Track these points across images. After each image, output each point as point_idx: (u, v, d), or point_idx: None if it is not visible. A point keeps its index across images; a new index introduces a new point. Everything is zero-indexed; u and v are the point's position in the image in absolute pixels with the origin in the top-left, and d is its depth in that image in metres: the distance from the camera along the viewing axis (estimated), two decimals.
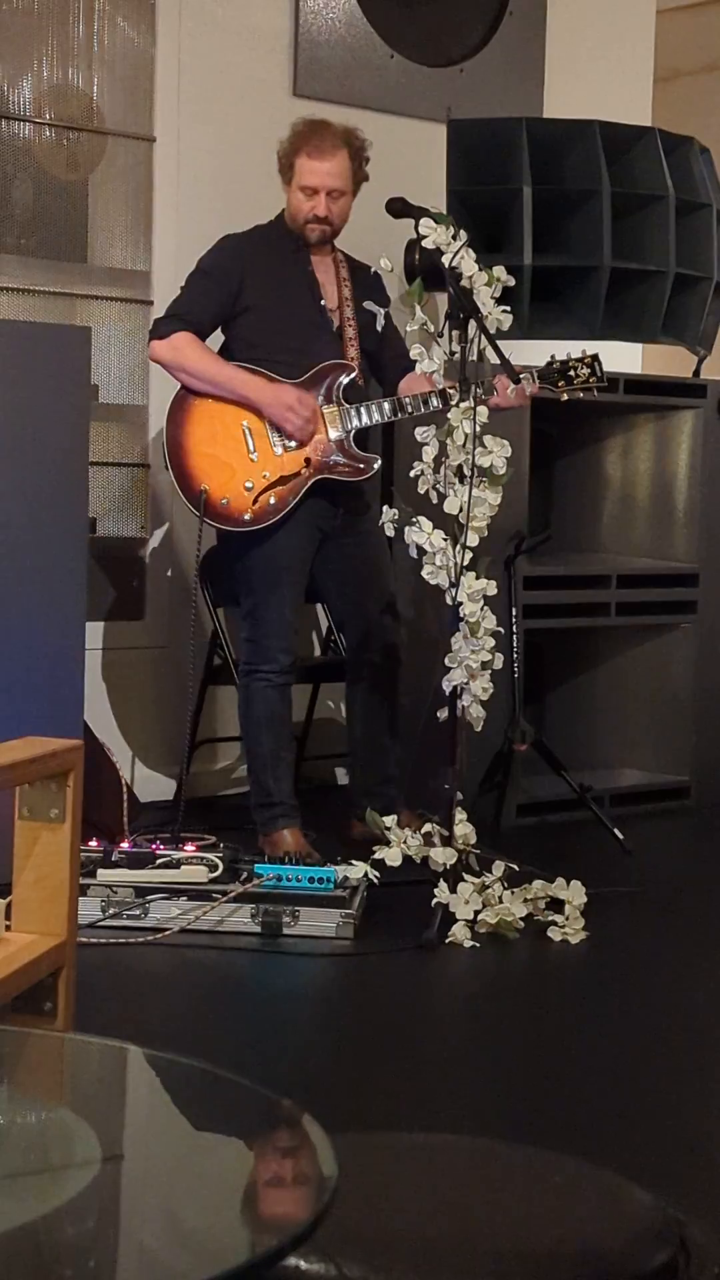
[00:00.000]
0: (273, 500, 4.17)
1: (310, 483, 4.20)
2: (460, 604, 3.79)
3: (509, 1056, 3.14)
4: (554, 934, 3.77)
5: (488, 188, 4.97)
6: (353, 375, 4.24)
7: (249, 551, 4.23)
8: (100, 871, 3.76)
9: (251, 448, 4.18)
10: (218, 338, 4.36)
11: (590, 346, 4.38)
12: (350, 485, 4.27)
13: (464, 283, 3.86)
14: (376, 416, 4.21)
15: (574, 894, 3.80)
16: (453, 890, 3.75)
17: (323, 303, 4.29)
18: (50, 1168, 1.51)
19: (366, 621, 4.40)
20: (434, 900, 3.74)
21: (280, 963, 3.61)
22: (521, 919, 3.77)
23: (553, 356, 4.30)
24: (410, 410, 4.14)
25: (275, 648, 4.23)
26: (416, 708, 4.43)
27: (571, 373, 4.27)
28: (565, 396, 4.29)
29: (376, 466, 4.26)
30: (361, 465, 4.24)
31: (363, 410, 4.21)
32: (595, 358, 4.29)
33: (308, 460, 4.20)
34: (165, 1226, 1.37)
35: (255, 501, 4.17)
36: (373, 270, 4.33)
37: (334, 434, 4.21)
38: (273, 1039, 3.16)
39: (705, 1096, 2.94)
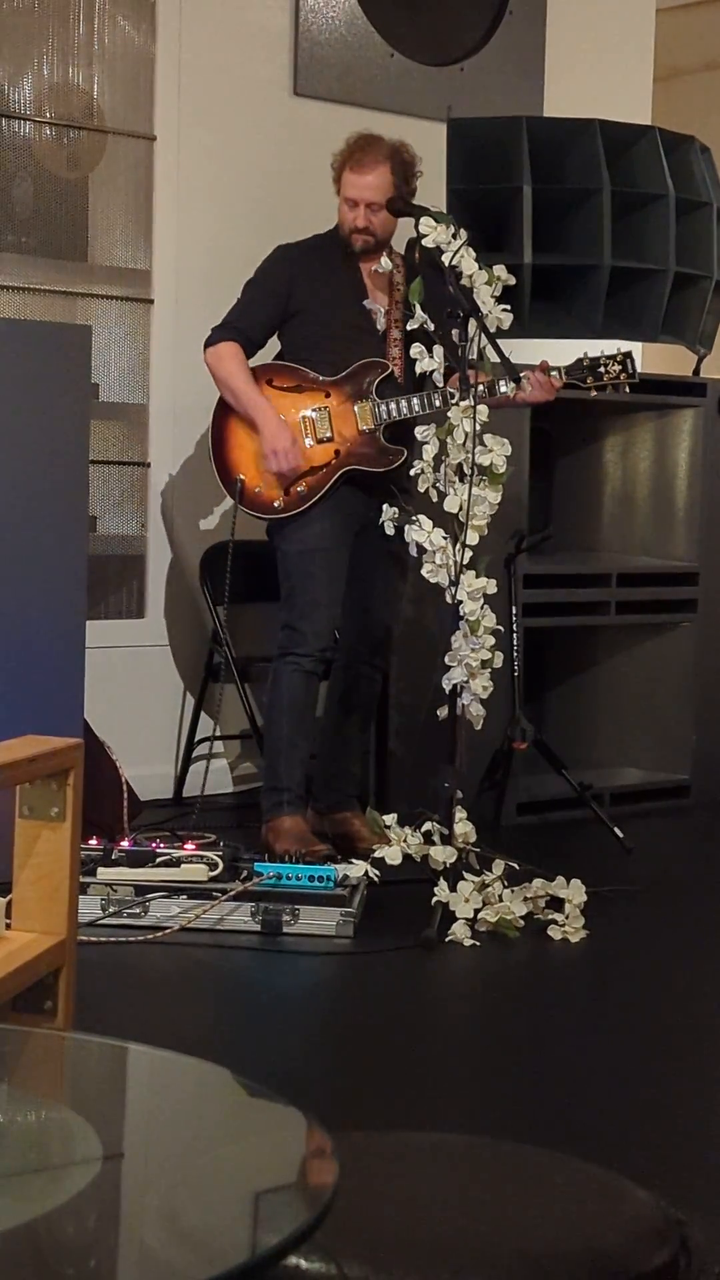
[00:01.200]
0: (302, 489, 4.29)
1: (339, 473, 4.30)
2: (460, 602, 3.80)
3: (509, 1056, 3.14)
4: (554, 932, 3.77)
5: (488, 186, 4.97)
6: (386, 372, 4.31)
7: (285, 538, 4.34)
8: (100, 870, 3.76)
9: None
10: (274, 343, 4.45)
11: (592, 345, 4.38)
12: (384, 480, 4.30)
13: (464, 281, 3.86)
14: (405, 409, 4.26)
15: (574, 892, 3.80)
16: (453, 889, 3.75)
17: (365, 304, 4.36)
18: (51, 1166, 1.51)
19: (368, 623, 4.43)
20: (434, 899, 3.74)
21: (280, 961, 3.61)
22: (521, 917, 3.77)
23: (585, 354, 4.31)
24: (439, 402, 4.15)
25: (308, 631, 4.28)
26: (417, 706, 4.44)
27: (601, 369, 4.28)
28: (594, 393, 4.30)
29: (403, 458, 4.29)
30: (389, 458, 4.29)
31: (392, 404, 4.27)
32: (628, 355, 4.30)
33: (337, 452, 4.30)
34: (166, 1225, 1.37)
35: (287, 491, 4.29)
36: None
37: (364, 427, 4.30)
38: (273, 1037, 3.16)
39: (705, 1096, 2.94)
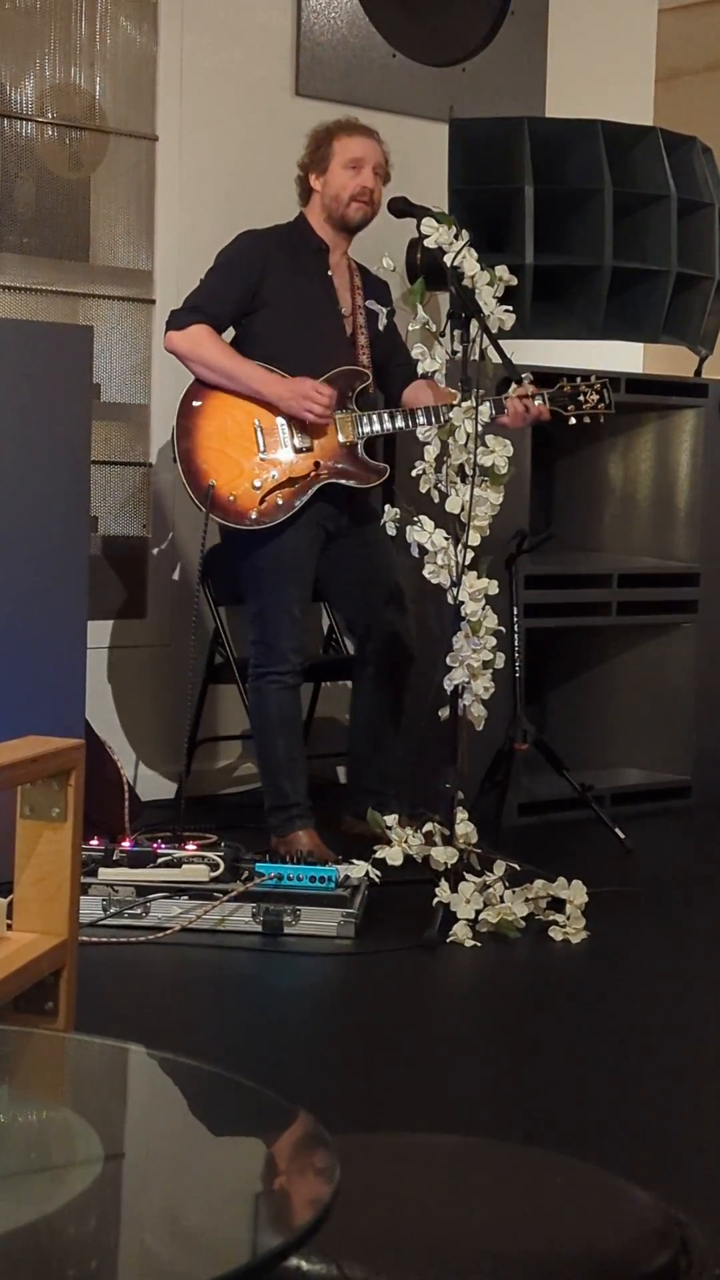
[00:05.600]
0: (280, 500, 4.17)
1: (317, 486, 4.21)
2: (462, 603, 3.80)
3: (509, 1056, 3.14)
4: (555, 933, 3.77)
5: (490, 187, 4.97)
6: (366, 382, 4.25)
7: (255, 552, 4.22)
8: (101, 870, 3.76)
9: (262, 446, 4.18)
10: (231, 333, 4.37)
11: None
12: (358, 493, 4.28)
13: (466, 282, 3.86)
14: (389, 425, 4.21)
15: (575, 893, 3.81)
16: (454, 889, 3.75)
17: (339, 308, 4.30)
18: (52, 1167, 1.51)
19: (374, 620, 4.40)
20: (435, 900, 3.75)
21: (281, 962, 3.61)
22: (522, 918, 3.77)
23: (564, 380, 4.30)
24: (423, 422, 4.10)
25: (287, 648, 4.23)
26: (418, 707, 4.43)
27: (580, 398, 4.28)
28: (573, 420, 4.29)
29: (385, 476, 4.27)
30: (370, 474, 4.25)
31: (375, 418, 4.21)
32: (605, 384, 4.30)
33: (317, 464, 4.20)
34: (167, 1227, 1.37)
35: (262, 501, 4.16)
36: (382, 278, 4.36)
37: (345, 440, 4.22)
38: (273, 1038, 3.16)
39: (706, 1096, 2.94)
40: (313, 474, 4.19)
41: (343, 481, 4.22)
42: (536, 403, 4.20)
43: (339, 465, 4.22)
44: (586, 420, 4.32)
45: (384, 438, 4.43)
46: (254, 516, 4.17)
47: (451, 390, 3.91)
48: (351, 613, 4.52)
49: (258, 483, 4.17)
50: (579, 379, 4.33)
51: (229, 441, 4.18)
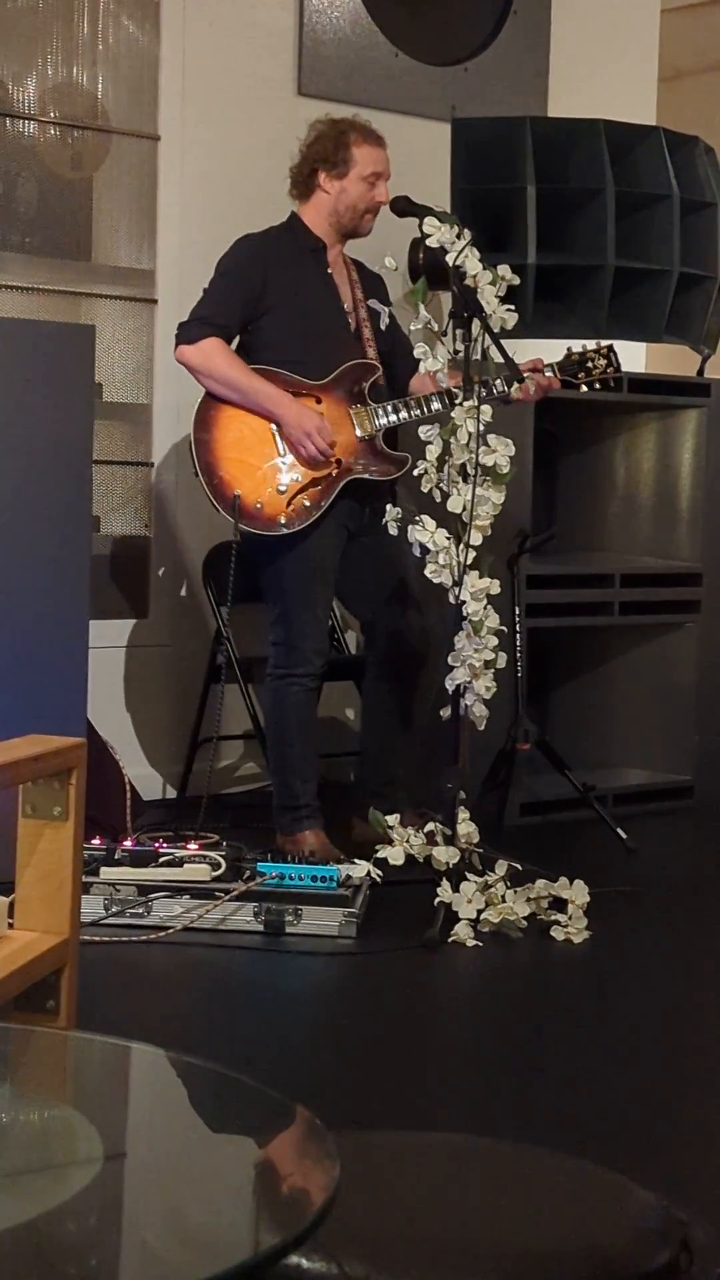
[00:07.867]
0: (306, 502, 4.16)
1: (342, 484, 4.20)
2: (464, 603, 3.80)
3: (511, 1056, 3.14)
4: (557, 933, 3.77)
5: (492, 186, 4.97)
6: (377, 375, 4.25)
7: (281, 554, 4.20)
8: (103, 869, 3.76)
9: (282, 450, 4.16)
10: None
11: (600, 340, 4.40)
12: (379, 485, 4.27)
13: (468, 281, 3.86)
14: (404, 415, 4.20)
15: (577, 893, 3.80)
16: (455, 889, 3.75)
17: (342, 304, 4.30)
18: (53, 1165, 1.51)
19: (388, 620, 4.39)
20: (437, 899, 3.74)
21: (282, 961, 3.61)
22: (524, 918, 3.77)
23: (569, 349, 4.31)
24: (437, 407, 4.13)
25: (310, 650, 4.22)
26: (420, 706, 4.43)
27: (589, 364, 4.28)
28: (584, 388, 4.29)
29: (407, 466, 4.26)
30: (392, 466, 4.25)
31: (390, 409, 4.21)
32: (610, 348, 4.31)
33: (338, 461, 4.19)
34: (167, 1224, 1.37)
35: (289, 504, 4.15)
36: (377, 272, 4.35)
37: (362, 434, 4.21)
38: (274, 1038, 3.16)
39: (706, 1096, 2.94)
40: (335, 472, 4.19)
41: (365, 475, 4.22)
42: (546, 374, 4.20)
43: (360, 460, 4.22)
44: (598, 386, 4.31)
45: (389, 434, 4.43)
46: (283, 521, 4.15)
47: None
48: (366, 612, 4.50)
49: (282, 486, 4.16)
50: (585, 346, 4.32)
51: (248, 450, 4.17)
